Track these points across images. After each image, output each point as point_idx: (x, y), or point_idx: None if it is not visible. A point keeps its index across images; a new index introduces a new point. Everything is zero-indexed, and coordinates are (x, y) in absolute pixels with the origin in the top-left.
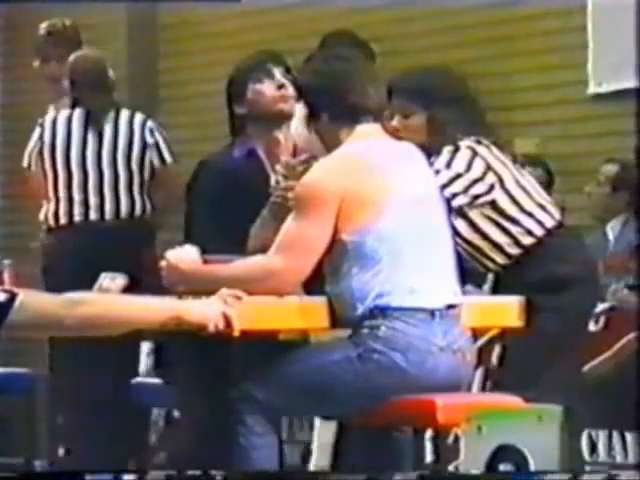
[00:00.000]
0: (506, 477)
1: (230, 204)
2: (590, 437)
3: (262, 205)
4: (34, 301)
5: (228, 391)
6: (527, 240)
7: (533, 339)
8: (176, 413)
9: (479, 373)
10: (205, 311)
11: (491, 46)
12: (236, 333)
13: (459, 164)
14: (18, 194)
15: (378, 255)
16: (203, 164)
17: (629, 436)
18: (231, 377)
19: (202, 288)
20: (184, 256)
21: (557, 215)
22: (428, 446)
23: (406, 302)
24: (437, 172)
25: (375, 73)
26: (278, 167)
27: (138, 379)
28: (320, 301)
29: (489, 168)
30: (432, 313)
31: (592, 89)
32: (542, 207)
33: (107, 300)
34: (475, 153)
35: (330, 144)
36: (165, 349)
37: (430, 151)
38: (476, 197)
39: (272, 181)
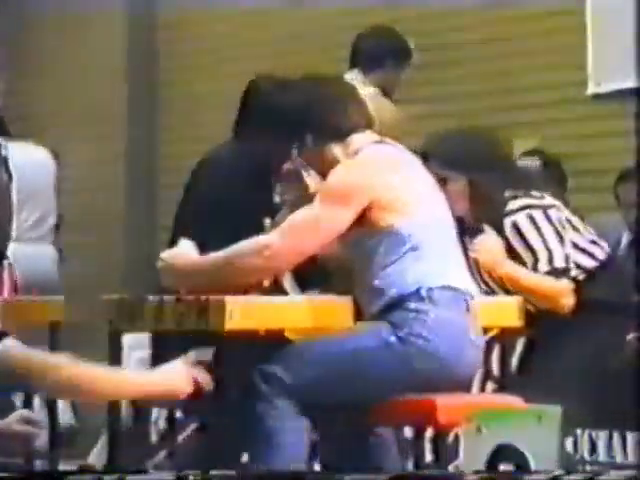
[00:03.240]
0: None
1: (231, 201)
2: (590, 437)
3: (263, 202)
4: (18, 350)
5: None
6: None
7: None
8: (178, 413)
9: (478, 373)
10: (171, 381)
11: (490, 46)
12: (202, 394)
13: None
14: None
15: (417, 244)
16: (203, 162)
17: (629, 436)
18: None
19: (200, 281)
20: (180, 253)
21: (606, 246)
22: (427, 446)
23: (449, 292)
24: (535, 262)
25: (353, 91)
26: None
27: None
28: (334, 300)
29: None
30: (467, 305)
31: (591, 89)
32: (594, 242)
33: (81, 370)
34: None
35: (323, 167)
36: (163, 348)
37: (474, 217)
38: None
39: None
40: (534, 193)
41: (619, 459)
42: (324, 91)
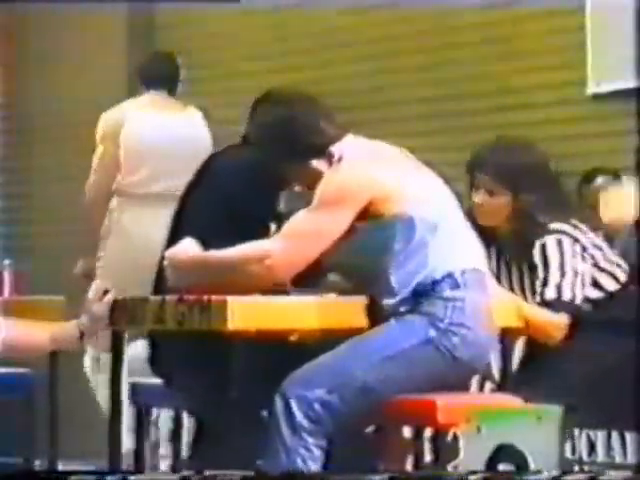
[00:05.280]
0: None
1: (238, 203)
2: (589, 437)
3: (270, 206)
4: None
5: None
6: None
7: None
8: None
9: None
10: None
11: (490, 46)
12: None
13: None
14: (18, 194)
15: (432, 226)
16: (211, 161)
17: (628, 436)
18: (234, 377)
19: (203, 279)
20: (183, 250)
21: (627, 267)
22: (427, 446)
23: (477, 275)
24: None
25: (322, 105)
26: None
27: (138, 379)
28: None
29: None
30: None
31: (591, 89)
32: (618, 265)
33: None
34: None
35: (310, 183)
36: (162, 347)
37: (512, 233)
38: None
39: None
40: (571, 221)
41: (618, 459)
42: (295, 112)
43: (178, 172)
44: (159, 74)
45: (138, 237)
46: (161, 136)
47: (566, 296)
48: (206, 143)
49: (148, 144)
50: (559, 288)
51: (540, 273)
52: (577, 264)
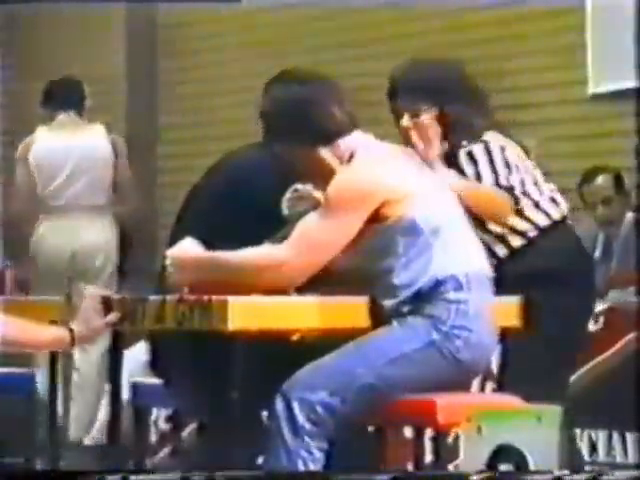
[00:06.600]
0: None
1: (246, 200)
2: (590, 437)
3: (276, 203)
4: None
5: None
6: (526, 235)
7: (530, 338)
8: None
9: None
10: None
11: (490, 46)
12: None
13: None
14: None
15: (435, 228)
16: (225, 158)
17: (629, 436)
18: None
19: (209, 277)
20: (188, 248)
21: (564, 208)
22: (428, 446)
23: (480, 276)
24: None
25: (335, 91)
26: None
27: (138, 379)
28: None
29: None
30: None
31: (591, 89)
32: (552, 199)
33: None
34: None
35: (315, 172)
36: (161, 348)
37: (449, 146)
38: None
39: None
40: (500, 135)
41: (619, 459)
42: (306, 92)
43: (80, 185)
44: (63, 98)
45: (52, 246)
46: (64, 155)
47: (503, 183)
48: (105, 156)
49: (53, 162)
50: (497, 181)
51: (472, 179)
52: (507, 164)
